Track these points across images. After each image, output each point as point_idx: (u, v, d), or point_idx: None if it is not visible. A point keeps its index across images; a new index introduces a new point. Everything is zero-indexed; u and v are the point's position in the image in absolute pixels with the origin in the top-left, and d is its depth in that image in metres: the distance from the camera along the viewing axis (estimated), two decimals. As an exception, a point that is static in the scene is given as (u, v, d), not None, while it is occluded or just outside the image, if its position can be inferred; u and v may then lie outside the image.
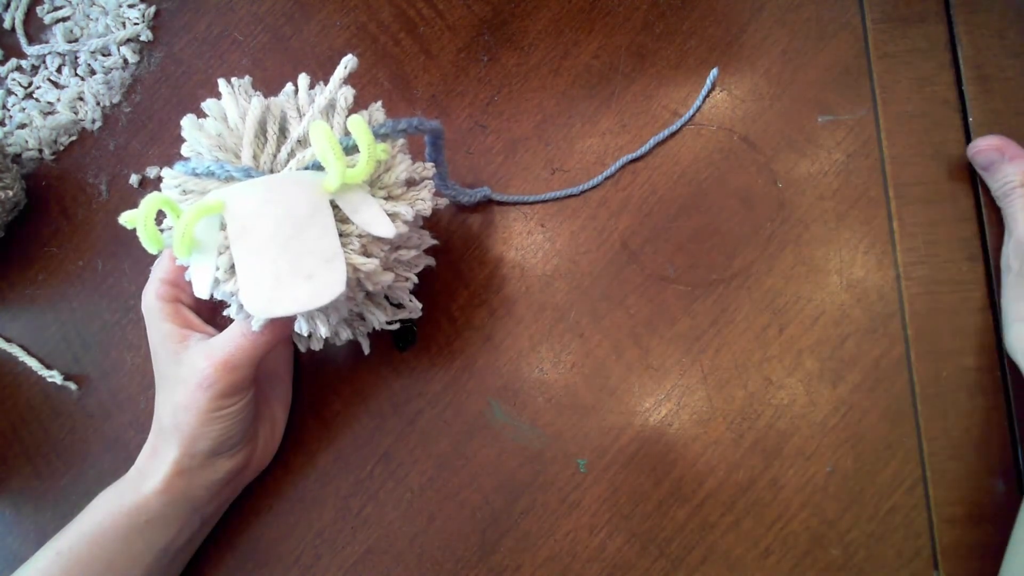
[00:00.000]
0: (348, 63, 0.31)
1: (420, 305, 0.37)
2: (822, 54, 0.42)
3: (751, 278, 0.40)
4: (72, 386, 0.42)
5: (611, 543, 0.38)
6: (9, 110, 0.47)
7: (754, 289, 0.40)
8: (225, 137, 0.30)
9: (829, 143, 0.41)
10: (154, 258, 0.37)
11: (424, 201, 0.32)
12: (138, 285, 0.44)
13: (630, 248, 0.41)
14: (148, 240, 0.28)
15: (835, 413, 0.38)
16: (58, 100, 0.46)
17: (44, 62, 0.48)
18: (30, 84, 0.47)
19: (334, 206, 0.29)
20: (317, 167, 0.29)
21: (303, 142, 0.30)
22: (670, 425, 0.38)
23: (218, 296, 0.30)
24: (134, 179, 0.44)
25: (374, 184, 0.31)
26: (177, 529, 0.35)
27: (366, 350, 0.38)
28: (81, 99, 0.46)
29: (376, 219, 0.29)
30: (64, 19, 0.48)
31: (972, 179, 0.39)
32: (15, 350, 0.42)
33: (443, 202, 0.36)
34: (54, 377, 0.42)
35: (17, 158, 0.46)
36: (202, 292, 0.29)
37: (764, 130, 0.41)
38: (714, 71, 0.42)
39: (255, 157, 0.29)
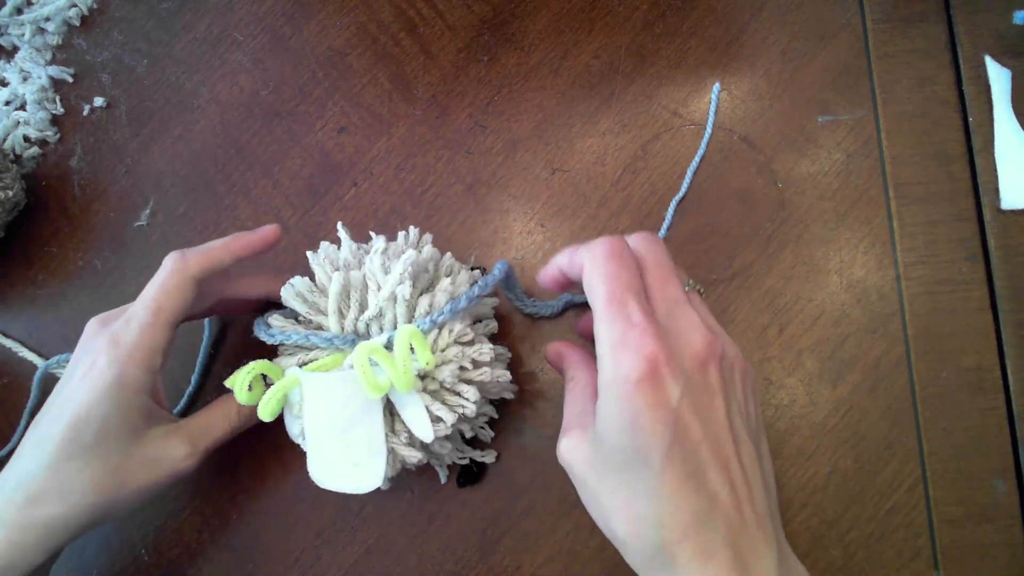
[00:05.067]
0: (409, 259, 0.31)
1: (495, 453, 0.38)
2: (822, 54, 0.42)
3: (751, 278, 0.40)
4: (72, 386, 0.42)
5: (611, 543, 0.38)
6: (8, 107, 0.47)
7: (754, 289, 0.40)
8: (317, 302, 0.33)
9: (829, 143, 0.41)
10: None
11: (467, 405, 0.32)
12: (138, 285, 0.44)
13: (630, 248, 0.41)
14: (244, 401, 0.31)
15: (835, 413, 0.38)
16: (57, 100, 0.46)
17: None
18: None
19: (389, 399, 0.31)
20: (390, 346, 0.31)
21: (377, 317, 0.32)
22: (670, 425, 0.38)
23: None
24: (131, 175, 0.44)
25: (426, 376, 0.31)
26: None
27: (443, 479, 0.38)
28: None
29: (418, 421, 0.31)
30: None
31: (972, 179, 0.39)
32: (13, 344, 0.42)
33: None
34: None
35: (17, 158, 0.46)
36: (294, 438, 0.32)
37: (764, 130, 0.41)
38: (716, 86, 0.42)
39: (341, 319, 0.32)
